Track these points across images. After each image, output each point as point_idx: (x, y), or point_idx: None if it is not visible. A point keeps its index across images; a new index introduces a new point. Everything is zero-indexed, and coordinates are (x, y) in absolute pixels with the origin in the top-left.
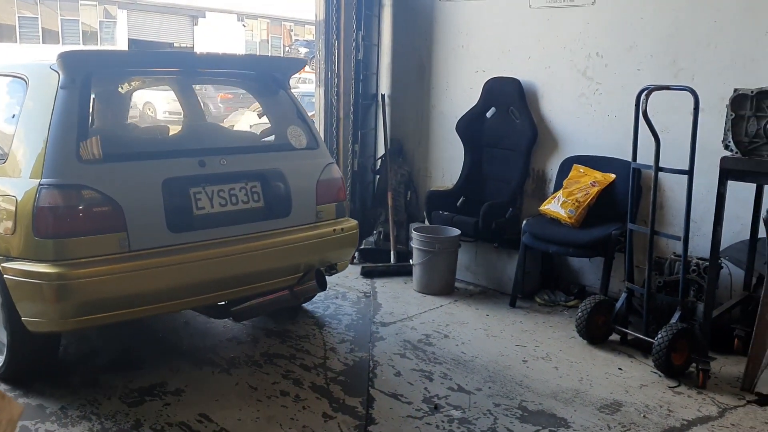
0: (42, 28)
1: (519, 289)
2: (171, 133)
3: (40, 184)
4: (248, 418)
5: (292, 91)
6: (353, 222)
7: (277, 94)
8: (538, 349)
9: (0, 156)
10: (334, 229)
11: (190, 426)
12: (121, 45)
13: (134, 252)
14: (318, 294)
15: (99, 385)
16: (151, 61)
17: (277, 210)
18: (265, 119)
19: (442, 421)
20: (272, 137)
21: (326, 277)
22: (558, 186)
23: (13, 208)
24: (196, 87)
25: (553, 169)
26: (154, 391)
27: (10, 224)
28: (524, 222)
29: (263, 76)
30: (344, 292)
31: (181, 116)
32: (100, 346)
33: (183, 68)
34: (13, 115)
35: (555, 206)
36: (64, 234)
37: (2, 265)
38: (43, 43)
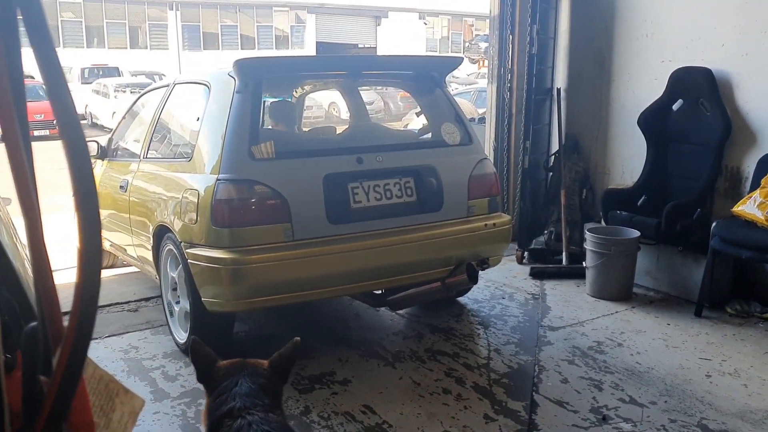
0: (240, 34)
1: (706, 298)
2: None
3: (217, 179)
4: (410, 413)
5: (470, 86)
6: (506, 217)
7: (434, 92)
8: (725, 364)
9: (187, 154)
10: (486, 224)
11: (354, 416)
12: (310, 48)
13: (297, 241)
14: (483, 293)
15: None
16: (316, 65)
17: (430, 204)
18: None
19: None
20: (429, 134)
21: (479, 271)
22: (755, 185)
23: (196, 200)
24: (377, 87)
25: (749, 167)
26: (323, 380)
27: (193, 215)
28: (714, 224)
29: (421, 76)
30: (511, 292)
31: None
32: (278, 333)
33: (347, 71)
34: (198, 118)
35: (750, 207)
36: (237, 224)
37: (187, 251)
38: (241, 48)
